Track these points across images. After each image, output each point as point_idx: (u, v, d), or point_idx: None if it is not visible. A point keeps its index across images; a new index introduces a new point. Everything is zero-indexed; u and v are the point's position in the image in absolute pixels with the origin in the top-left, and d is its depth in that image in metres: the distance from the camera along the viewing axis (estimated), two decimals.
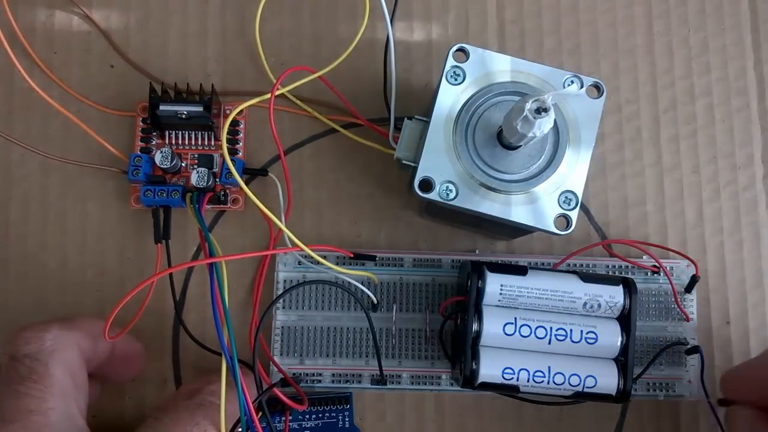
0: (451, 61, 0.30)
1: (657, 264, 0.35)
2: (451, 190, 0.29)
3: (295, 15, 0.38)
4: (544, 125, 0.26)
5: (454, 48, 0.30)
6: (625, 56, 0.38)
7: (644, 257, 0.36)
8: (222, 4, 0.38)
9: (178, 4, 0.37)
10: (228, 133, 0.36)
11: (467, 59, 0.30)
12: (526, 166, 0.30)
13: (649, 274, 0.36)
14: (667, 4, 0.38)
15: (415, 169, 0.30)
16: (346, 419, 0.34)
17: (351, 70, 0.37)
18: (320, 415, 0.34)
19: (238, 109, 0.31)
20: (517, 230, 0.32)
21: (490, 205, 0.29)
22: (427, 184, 0.29)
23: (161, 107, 0.34)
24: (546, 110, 0.26)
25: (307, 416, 0.34)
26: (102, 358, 0.31)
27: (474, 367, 0.30)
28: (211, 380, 0.30)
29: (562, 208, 0.29)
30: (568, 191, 0.29)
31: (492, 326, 0.31)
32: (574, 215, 0.29)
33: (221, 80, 0.37)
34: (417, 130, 0.31)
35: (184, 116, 0.34)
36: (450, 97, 0.30)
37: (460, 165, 0.29)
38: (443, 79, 0.30)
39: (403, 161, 0.31)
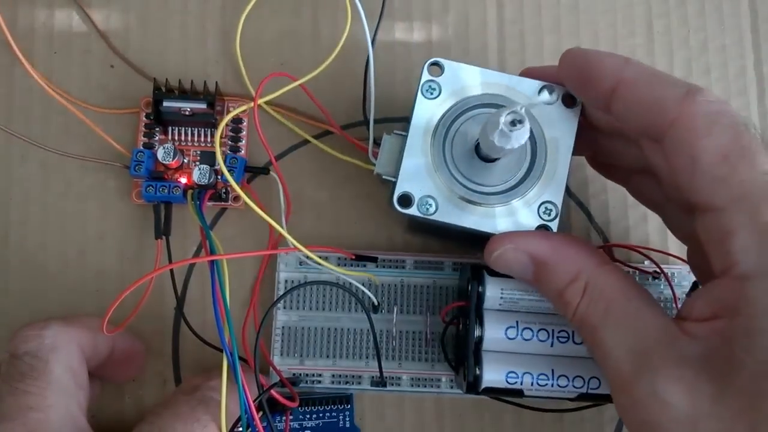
0: (426, 75, 0.30)
1: (658, 270, 0.35)
2: (430, 205, 0.29)
3: (296, 14, 0.38)
4: (520, 137, 0.26)
5: (429, 62, 0.30)
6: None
7: (646, 262, 0.35)
8: (222, 5, 0.38)
9: (179, 4, 0.37)
10: (231, 131, 0.36)
11: (442, 73, 0.30)
12: (505, 179, 0.30)
13: (650, 279, 0.35)
14: (667, 4, 0.39)
15: (394, 185, 0.29)
16: (347, 419, 0.34)
17: (337, 73, 0.37)
18: (321, 415, 0.34)
19: (224, 122, 0.31)
20: None
21: (471, 218, 0.29)
22: (406, 199, 0.29)
23: (165, 103, 0.34)
24: (521, 122, 0.26)
25: (308, 416, 0.34)
26: (102, 357, 0.31)
27: (477, 372, 0.30)
28: (212, 376, 0.30)
29: (543, 218, 0.29)
30: (547, 202, 0.29)
31: (494, 331, 0.31)
32: (554, 226, 0.29)
33: (221, 80, 0.37)
34: (396, 145, 0.31)
35: (187, 113, 0.34)
36: (426, 112, 0.30)
37: (438, 179, 0.29)
38: (419, 93, 0.30)
39: (384, 177, 0.31)
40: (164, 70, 0.37)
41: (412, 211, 0.29)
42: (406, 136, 0.30)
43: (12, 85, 0.36)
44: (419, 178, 0.29)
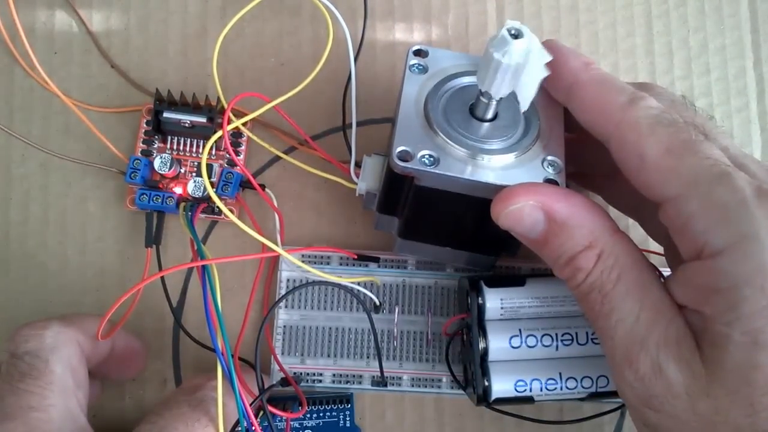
0: (412, 58, 0.30)
1: (657, 271, 0.35)
2: (431, 160, 0.28)
3: (295, 15, 0.38)
4: (520, 49, 0.25)
5: (412, 49, 0.31)
6: (625, 56, 0.38)
7: None
8: (222, 5, 0.38)
9: (179, 4, 0.38)
10: (231, 144, 0.36)
11: (427, 56, 0.31)
12: (502, 137, 0.29)
13: None
14: (667, 4, 0.39)
15: (389, 152, 0.28)
16: (347, 418, 0.34)
17: (336, 75, 0.36)
18: (321, 414, 0.34)
19: (212, 140, 0.31)
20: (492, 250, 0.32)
21: (473, 171, 0.28)
22: (406, 154, 0.28)
23: (165, 114, 0.34)
24: (520, 35, 0.25)
25: (308, 415, 0.34)
26: (102, 356, 0.31)
27: (486, 384, 0.30)
28: (213, 376, 0.30)
29: (548, 172, 0.28)
30: (551, 157, 0.28)
31: (498, 341, 0.31)
32: (560, 180, 0.28)
33: (221, 81, 0.36)
34: (377, 165, 0.31)
35: (187, 125, 0.34)
36: (416, 85, 0.30)
37: (436, 138, 0.28)
38: (407, 71, 0.30)
39: (368, 191, 0.31)
40: (164, 70, 0.37)
41: (413, 165, 0.27)
42: (385, 156, 0.29)
43: (12, 85, 0.36)
44: (416, 139, 0.28)
